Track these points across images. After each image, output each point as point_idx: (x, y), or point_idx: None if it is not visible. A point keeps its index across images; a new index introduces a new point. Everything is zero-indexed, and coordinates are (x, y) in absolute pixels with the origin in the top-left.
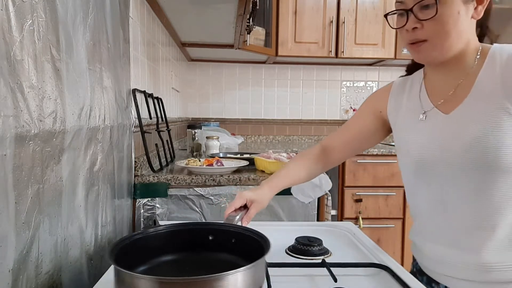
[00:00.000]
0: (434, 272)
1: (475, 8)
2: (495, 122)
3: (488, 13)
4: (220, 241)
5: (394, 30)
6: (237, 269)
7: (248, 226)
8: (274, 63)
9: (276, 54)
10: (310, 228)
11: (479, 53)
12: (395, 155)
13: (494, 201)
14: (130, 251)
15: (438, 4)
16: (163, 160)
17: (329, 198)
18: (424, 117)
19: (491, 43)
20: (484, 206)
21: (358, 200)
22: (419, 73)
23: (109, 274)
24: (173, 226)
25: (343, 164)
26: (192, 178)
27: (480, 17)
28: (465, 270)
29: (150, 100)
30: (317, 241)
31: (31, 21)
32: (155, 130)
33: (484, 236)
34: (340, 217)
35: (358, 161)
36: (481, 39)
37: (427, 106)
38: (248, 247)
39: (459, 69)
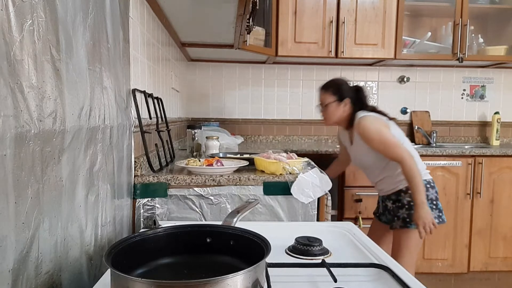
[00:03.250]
0: None
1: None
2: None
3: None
4: (219, 243)
5: (394, 30)
6: (237, 272)
7: (248, 226)
8: (274, 63)
9: (276, 54)
10: (310, 228)
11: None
12: None
13: None
14: (128, 253)
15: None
16: (163, 160)
17: (329, 198)
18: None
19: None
20: None
21: (358, 200)
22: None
23: (109, 274)
24: (171, 228)
25: None
26: (192, 178)
27: (348, 108)
28: None
29: (150, 100)
30: (317, 241)
31: (31, 21)
32: (155, 130)
33: None
34: (340, 217)
35: None
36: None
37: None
38: (247, 249)
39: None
